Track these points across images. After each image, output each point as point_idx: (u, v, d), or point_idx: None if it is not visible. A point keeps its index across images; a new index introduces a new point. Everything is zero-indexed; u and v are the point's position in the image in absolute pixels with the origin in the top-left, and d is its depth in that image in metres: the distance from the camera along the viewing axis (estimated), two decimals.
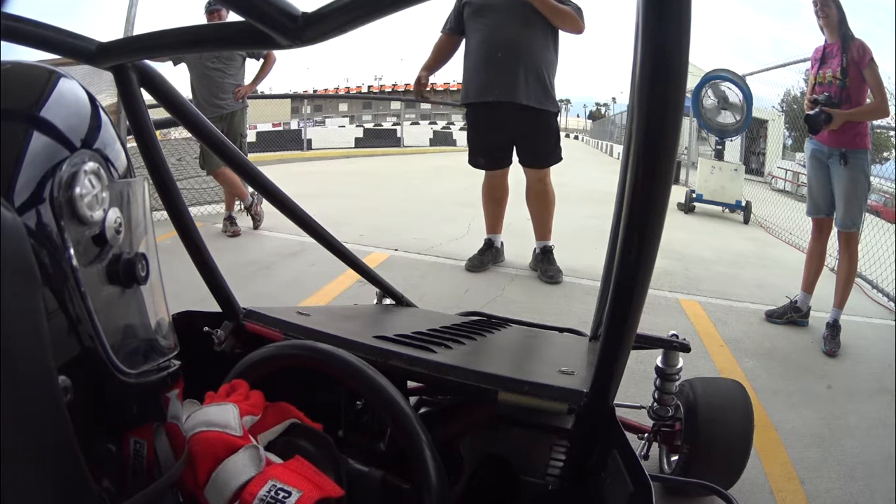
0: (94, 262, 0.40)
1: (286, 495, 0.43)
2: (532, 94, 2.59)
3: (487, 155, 2.80)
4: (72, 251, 0.37)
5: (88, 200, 0.39)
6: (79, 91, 0.43)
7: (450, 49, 2.81)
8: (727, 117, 5.26)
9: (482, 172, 2.89)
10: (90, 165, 0.39)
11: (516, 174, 2.85)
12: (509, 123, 2.65)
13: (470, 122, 2.84)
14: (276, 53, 3.42)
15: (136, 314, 0.45)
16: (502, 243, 3.05)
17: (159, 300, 0.48)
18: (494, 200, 2.93)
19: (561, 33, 2.65)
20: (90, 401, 0.38)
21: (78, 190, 0.38)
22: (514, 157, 2.81)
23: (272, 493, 0.43)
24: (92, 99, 0.44)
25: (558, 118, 2.80)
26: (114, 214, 0.41)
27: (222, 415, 0.48)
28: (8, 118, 0.37)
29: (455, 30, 2.75)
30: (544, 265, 2.84)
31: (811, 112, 2.26)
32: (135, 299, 0.44)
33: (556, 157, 2.78)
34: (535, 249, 2.93)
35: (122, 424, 0.43)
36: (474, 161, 2.85)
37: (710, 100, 5.26)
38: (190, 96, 3.31)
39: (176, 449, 0.46)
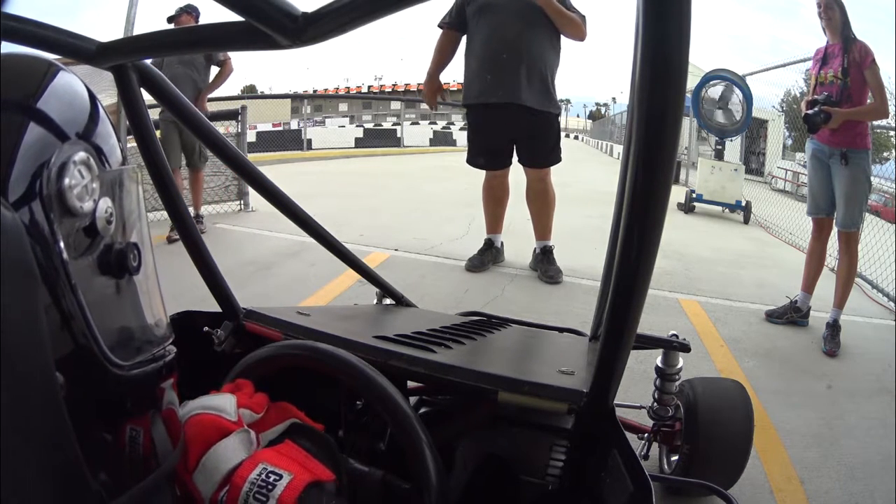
0: (85, 254, 0.39)
1: (277, 478, 0.43)
2: (535, 95, 2.59)
3: (488, 155, 2.79)
4: (62, 244, 0.36)
5: (78, 191, 0.38)
6: (72, 81, 0.42)
7: (451, 47, 2.77)
8: (727, 117, 5.26)
9: (482, 172, 2.88)
10: (80, 156, 0.38)
11: (516, 174, 2.85)
12: (511, 124, 2.64)
13: (471, 122, 2.83)
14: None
15: (129, 305, 0.44)
16: (502, 243, 3.04)
17: (153, 290, 0.47)
18: (495, 200, 2.93)
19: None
20: (84, 394, 0.38)
21: (67, 181, 0.37)
22: (515, 157, 2.80)
23: (263, 476, 0.42)
24: (87, 90, 0.43)
25: (559, 119, 2.79)
26: (104, 204, 0.40)
27: (219, 399, 0.48)
28: None
29: (455, 25, 2.72)
30: (544, 265, 2.84)
31: (810, 111, 2.26)
32: (127, 290, 0.43)
33: (556, 157, 2.77)
34: (535, 249, 2.93)
35: (118, 416, 0.43)
36: (474, 161, 2.84)
37: (709, 100, 5.26)
38: None
39: (173, 436, 0.46)
